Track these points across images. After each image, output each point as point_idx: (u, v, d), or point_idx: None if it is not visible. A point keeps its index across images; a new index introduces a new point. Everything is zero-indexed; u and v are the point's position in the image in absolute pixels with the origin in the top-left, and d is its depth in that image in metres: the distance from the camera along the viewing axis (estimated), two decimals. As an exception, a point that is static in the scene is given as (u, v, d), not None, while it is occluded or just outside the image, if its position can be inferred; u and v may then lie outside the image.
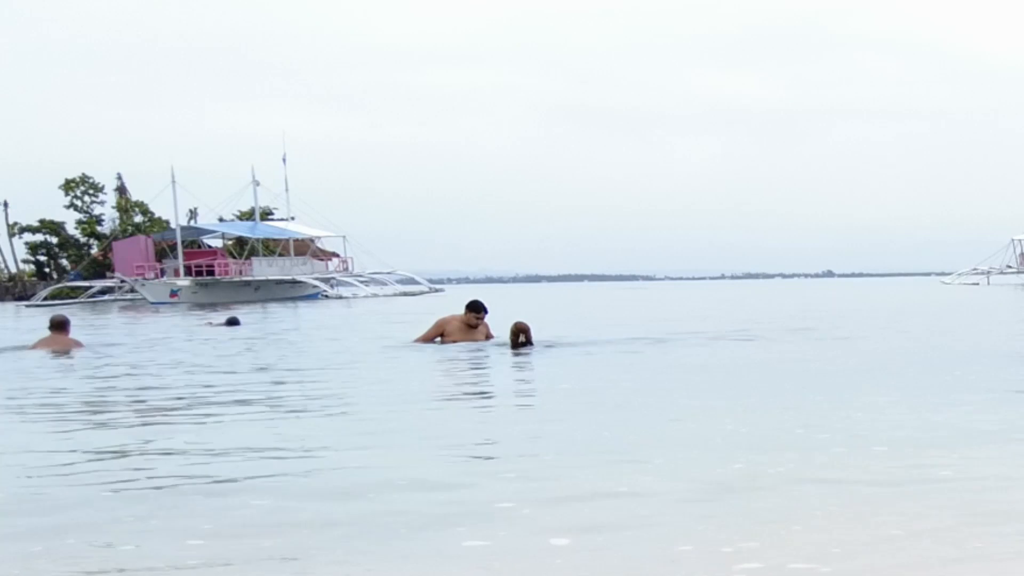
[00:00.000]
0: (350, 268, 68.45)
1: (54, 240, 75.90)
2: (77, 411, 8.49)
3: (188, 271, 60.92)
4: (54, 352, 14.56)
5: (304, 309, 39.48)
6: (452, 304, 20.73)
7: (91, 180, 75.99)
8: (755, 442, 6.26)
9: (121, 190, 77.16)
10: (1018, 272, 76.18)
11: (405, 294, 61.99)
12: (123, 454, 6.25)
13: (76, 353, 14.65)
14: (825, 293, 54.44)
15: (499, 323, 14.82)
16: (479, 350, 13.83)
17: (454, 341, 14.62)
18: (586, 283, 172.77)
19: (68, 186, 75.49)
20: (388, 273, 69.40)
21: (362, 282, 65.26)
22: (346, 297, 58.93)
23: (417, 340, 15.15)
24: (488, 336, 14.81)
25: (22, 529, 4.43)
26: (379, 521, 4.47)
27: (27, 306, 53.64)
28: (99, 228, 75.83)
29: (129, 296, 59.74)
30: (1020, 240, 77.08)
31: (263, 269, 63.13)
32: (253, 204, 70.18)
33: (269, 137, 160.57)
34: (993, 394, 8.51)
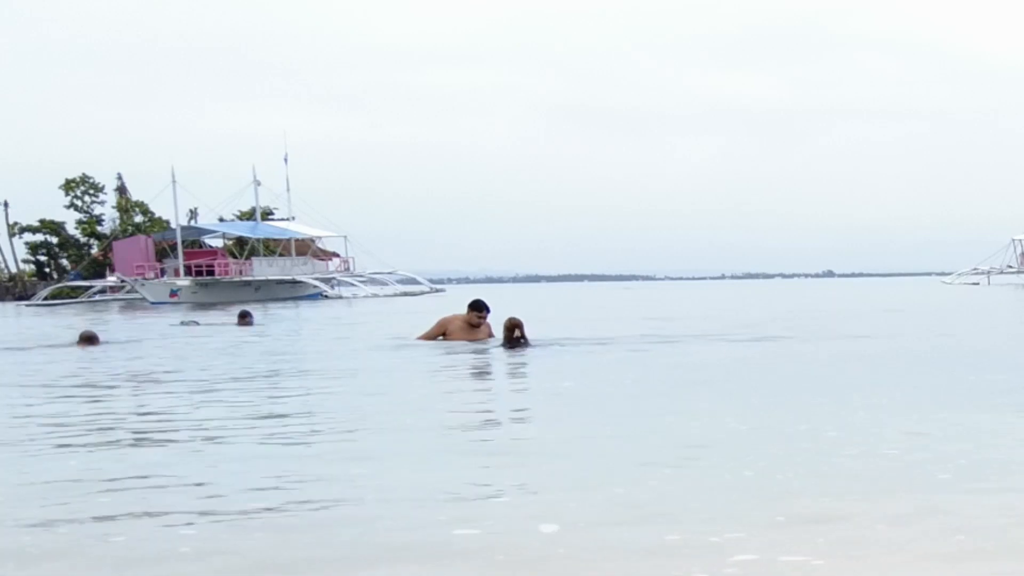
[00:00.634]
0: (351, 268, 68.45)
1: (54, 240, 75.88)
2: (77, 412, 8.52)
3: (188, 271, 60.88)
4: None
5: (305, 309, 39.48)
6: (452, 304, 20.75)
7: (91, 180, 76.00)
8: (751, 438, 6.29)
9: (121, 190, 77.14)
10: (1018, 272, 76.16)
11: (406, 294, 61.98)
12: (115, 450, 6.29)
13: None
14: (825, 293, 54.44)
15: (499, 323, 14.83)
16: (480, 349, 13.86)
17: (456, 340, 14.66)
18: (586, 283, 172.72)
19: (68, 186, 75.47)
20: (389, 273, 69.38)
21: (362, 282, 65.25)
22: (347, 297, 58.90)
23: (419, 338, 15.21)
24: (490, 335, 14.86)
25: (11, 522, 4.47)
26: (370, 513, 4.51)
27: (27, 306, 53.72)
28: (99, 228, 75.80)
29: (127, 296, 59.69)
30: (1020, 240, 77.05)
31: (263, 269, 63.10)
32: (254, 204, 70.27)
33: (269, 137, 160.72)
34: (993, 394, 8.55)
